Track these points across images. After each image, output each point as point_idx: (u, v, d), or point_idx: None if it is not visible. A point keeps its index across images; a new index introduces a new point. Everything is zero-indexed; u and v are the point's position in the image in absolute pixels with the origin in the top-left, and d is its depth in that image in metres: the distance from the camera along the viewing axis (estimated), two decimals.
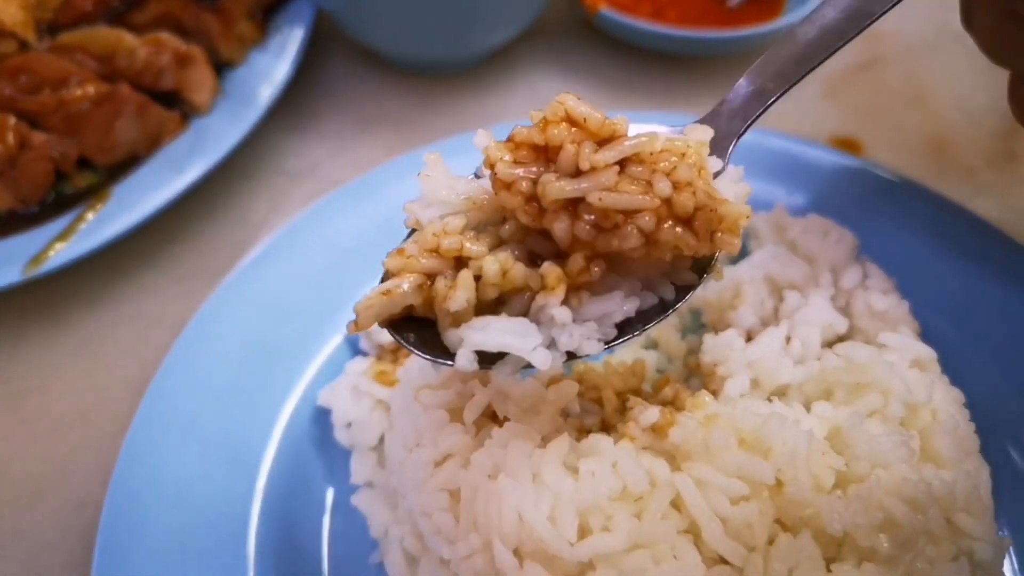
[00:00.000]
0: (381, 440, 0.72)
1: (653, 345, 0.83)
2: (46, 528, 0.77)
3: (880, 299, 0.71)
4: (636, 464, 0.56)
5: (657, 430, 0.61)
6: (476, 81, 1.17)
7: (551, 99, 1.13)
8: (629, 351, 0.82)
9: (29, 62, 0.97)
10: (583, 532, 0.54)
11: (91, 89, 0.96)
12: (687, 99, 1.16)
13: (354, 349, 0.81)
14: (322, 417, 0.77)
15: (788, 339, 0.70)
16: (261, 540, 0.69)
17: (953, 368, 0.69)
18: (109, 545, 0.66)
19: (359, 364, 0.77)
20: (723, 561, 0.54)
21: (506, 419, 0.62)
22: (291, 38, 1.09)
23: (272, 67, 1.06)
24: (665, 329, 0.82)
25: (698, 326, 0.84)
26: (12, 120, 0.93)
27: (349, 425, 0.74)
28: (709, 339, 0.72)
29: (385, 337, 0.78)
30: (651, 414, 0.61)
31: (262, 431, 0.74)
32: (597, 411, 0.70)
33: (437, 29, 1.06)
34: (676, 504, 0.56)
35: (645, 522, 0.54)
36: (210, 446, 0.73)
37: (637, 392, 0.73)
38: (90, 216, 0.91)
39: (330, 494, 0.75)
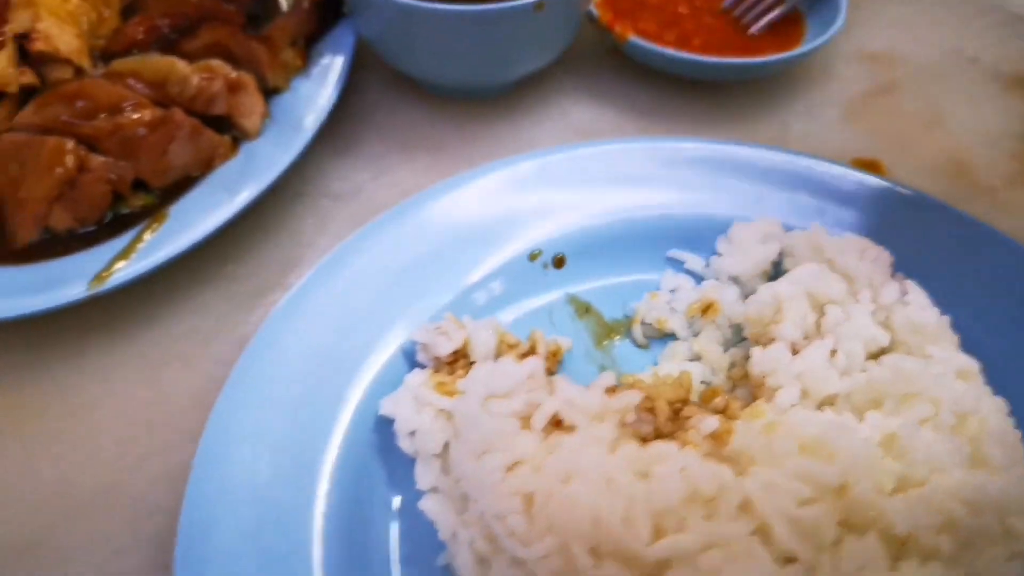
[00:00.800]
0: (445, 447, 0.75)
1: (697, 358, 0.86)
2: (119, 534, 0.79)
3: (920, 313, 0.75)
4: (704, 468, 0.59)
5: (716, 438, 0.64)
6: (509, 106, 1.21)
7: (582, 124, 1.19)
8: (674, 364, 0.85)
9: (85, 88, 1.01)
10: (657, 533, 0.57)
11: (146, 114, 0.99)
12: (711, 122, 1.20)
13: (411, 362, 0.85)
14: (383, 426, 0.80)
15: (833, 352, 0.74)
16: (331, 543, 0.72)
17: (993, 379, 0.72)
18: (188, 550, 0.69)
19: (418, 376, 0.80)
20: (792, 561, 0.57)
21: (572, 426, 0.66)
22: (333, 65, 1.13)
23: (316, 93, 1.10)
24: (708, 343, 0.86)
25: (739, 339, 0.88)
26: (70, 144, 0.96)
27: (412, 433, 0.77)
28: (757, 352, 0.75)
29: (443, 350, 0.82)
30: (710, 422, 0.64)
31: (328, 440, 0.78)
32: (651, 420, 0.73)
33: (473, 60, 1.10)
34: (743, 508, 0.59)
35: (717, 523, 0.57)
36: (279, 454, 0.76)
37: (685, 403, 0.76)
38: (148, 236, 0.94)
39: (395, 499, 0.77)
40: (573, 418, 0.65)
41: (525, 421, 0.66)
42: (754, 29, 1.25)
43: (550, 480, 0.60)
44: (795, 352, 0.75)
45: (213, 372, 0.91)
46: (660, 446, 0.62)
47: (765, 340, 0.79)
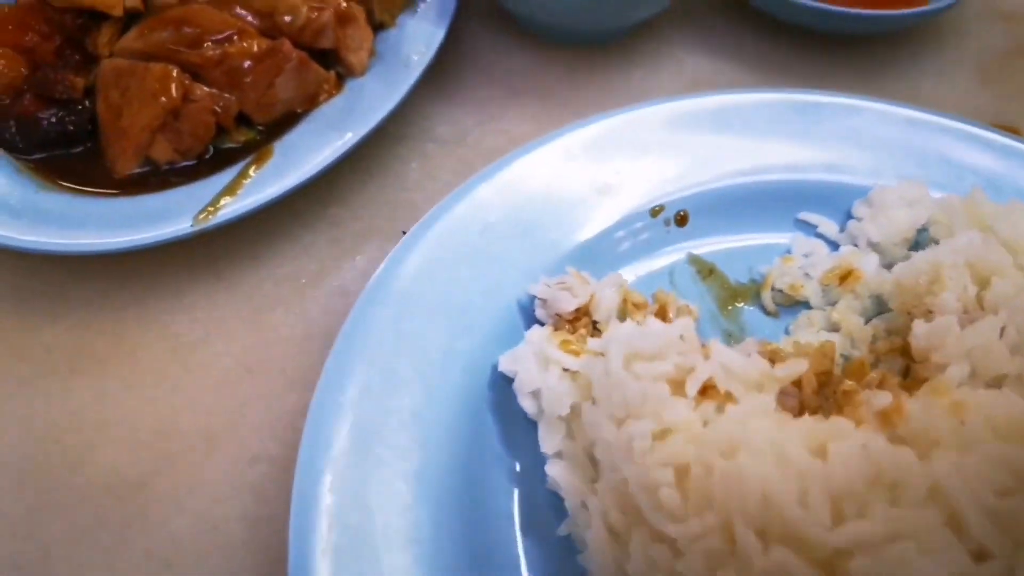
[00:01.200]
0: (570, 410, 0.70)
1: (834, 328, 0.80)
2: (220, 481, 0.76)
3: None
4: (888, 448, 0.54)
5: (885, 417, 0.58)
6: (621, 54, 1.15)
7: (699, 76, 1.12)
8: (810, 334, 0.79)
9: (191, 14, 0.96)
10: (836, 517, 0.52)
11: (254, 44, 0.95)
12: (836, 80, 1.12)
13: (529, 318, 0.80)
14: (498, 384, 0.75)
15: (1002, 328, 0.67)
16: (446, 503, 0.68)
17: None
18: (302, 508, 0.65)
19: (539, 333, 0.75)
20: (987, 558, 0.51)
21: (727, 394, 0.60)
22: (440, 3, 1.07)
23: (423, 32, 1.04)
24: (847, 313, 0.80)
25: (878, 311, 0.82)
26: (176, 72, 0.92)
27: (534, 393, 0.72)
28: (920, 324, 0.69)
29: (566, 306, 0.77)
30: (883, 398, 0.58)
31: (444, 396, 0.73)
32: (795, 393, 0.67)
33: (589, 1, 1.04)
34: (932, 496, 0.53)
35: (904, 510, 0.51)
36: (392, 409, 0.71)
37: (829, 375, 0.70)
38: (253, 172, 0.90)
39: (512, 462, 0.73)
40: (730, 386, 0.60)
41: (675, 386, 0.61)
42: None
43: (710, 452, 0.55)
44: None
45: (315, 318, 0.87)
46: (837, 421, 0.57)
47: (920, 312, 0.73)
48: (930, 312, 0.72)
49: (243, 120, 0.97)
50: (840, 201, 0.90)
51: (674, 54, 1.16)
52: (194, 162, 0.94)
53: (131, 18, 0.99)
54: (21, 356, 0.84)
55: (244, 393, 0.82)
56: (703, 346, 0.65)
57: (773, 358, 0.70)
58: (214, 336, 0.86)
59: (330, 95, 0.99)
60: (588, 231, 0.86)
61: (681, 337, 0.64)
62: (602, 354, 0.68)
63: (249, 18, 0.98)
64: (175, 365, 0.83)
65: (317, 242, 0.93)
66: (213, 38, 0.95)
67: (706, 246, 0.88)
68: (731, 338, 0.82)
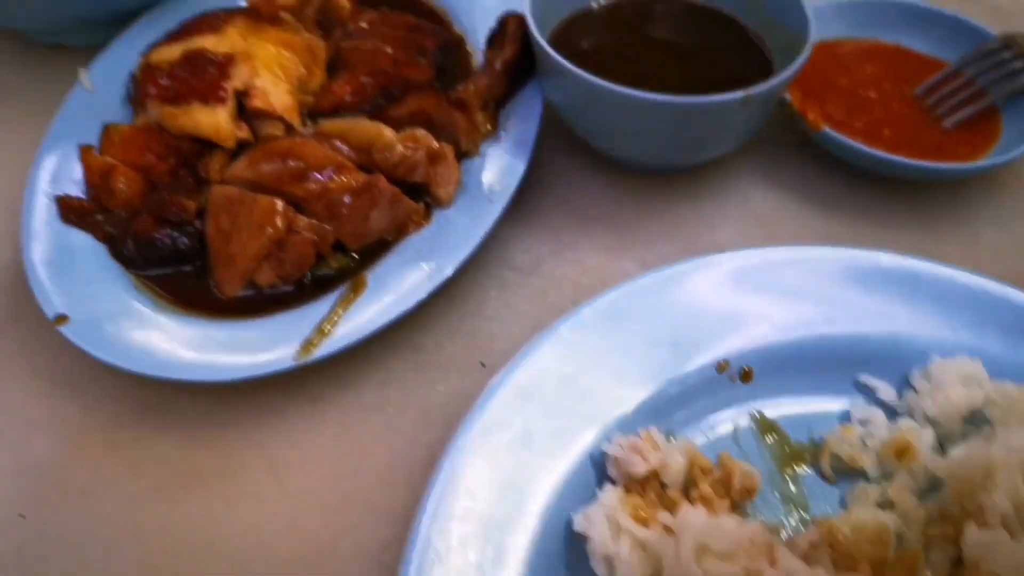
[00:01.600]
0: None
1: (889, 505, 0.85)
2: None
3: None
4: None
5: None
6: (690, 184, 1.21)
7: (763, 211, 1.17)
8: (866, 509, 0.84)
9: (296, 147, 1.04)
10: None
11: (352, 179, 1.02)
12: (897, 222, 1.17)
13: (601, 471, 0.86)
14: (573, 539, 0.81)
15: None
16: None
17: None
18: None
19: (611, 495, 0.81)
20: None
21: None
22: (521, 132, 1.13)
23: (505, 162, 1.11)
24: (902, 491, 0.85)
25: (931, 489, 0.86)
26: (281, 205, 1.00)
27: (607, 558, 0.78)
28: (973, 531, 0.74)
29: (638, 469, 0.83)
30: None
31: (521, 550, 0.79)
32: None
33: (665, 145, 1.10)
34: None
35: None
36: (474, 561, 0.78)
37: (883, 562, 0.76)
38: (348, 306, 0.97)
39: None
40: None
41: None
42: (947, 123, 1.22)
43: None
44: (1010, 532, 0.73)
45: (401, 450, 0.93)
46: None
47: (972, 506, 0.78)
48: (982, 511, 0.77)
49: (338, 246, 1.03)
50: (899, 362, 0.95)
51: (740, 188, 1.21)
52: (292, 287, 1.01)
53: (241, 145, 1.06)
54: (137, 471, 0.91)
55: (337, 521, 0.88)
56: (770, 549, 0.70)
57: (831, 542, 0.76)
58: (309, 460, 0.92)
59: (419, 225, 1.05)
60: (657, 384, 0.92)
61: (751, 541, 0.69)
62: (672, 530, 0.74)
63: (347, 151, 1.05)
64: (274, 488, 0.90)
65: (402, 369, 1.00)
66: (315, 170, 1.02)
67: (770, 406, 0.94)
68: (789, 502, 0.87)
